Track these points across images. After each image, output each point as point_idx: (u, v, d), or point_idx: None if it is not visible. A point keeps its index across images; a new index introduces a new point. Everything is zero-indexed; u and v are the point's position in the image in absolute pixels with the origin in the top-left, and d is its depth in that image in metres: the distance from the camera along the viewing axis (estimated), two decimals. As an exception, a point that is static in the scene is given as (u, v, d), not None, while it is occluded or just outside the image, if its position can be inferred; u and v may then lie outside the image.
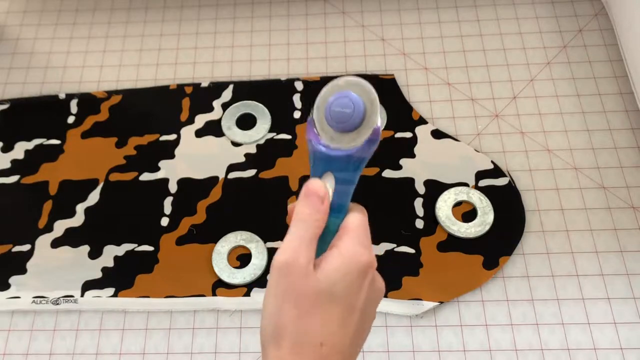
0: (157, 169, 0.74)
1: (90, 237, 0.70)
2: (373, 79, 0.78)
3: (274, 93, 0.78)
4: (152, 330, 0.65)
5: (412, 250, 0.67)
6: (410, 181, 0.71)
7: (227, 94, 0.79)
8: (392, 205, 0.69)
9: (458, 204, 0.69)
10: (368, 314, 0.37)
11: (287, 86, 0.79)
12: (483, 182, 0.70)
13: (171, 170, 0.74)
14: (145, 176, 0.74)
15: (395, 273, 0.66)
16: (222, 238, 0.68)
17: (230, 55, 0.83)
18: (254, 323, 0.65)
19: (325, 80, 0.78)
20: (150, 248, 0.69)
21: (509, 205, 0.69)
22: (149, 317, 0.66)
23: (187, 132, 0.76)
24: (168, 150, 0.75)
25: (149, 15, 0.87)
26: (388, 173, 0.71)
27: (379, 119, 0.33)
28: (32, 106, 0.80)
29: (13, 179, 0.75)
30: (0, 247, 0.70)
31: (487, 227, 0.67)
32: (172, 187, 0.72)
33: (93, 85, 0.82)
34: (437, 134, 0.74)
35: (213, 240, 0.69)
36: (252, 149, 0.75)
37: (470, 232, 0.67)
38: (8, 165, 0.76)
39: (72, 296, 0.67)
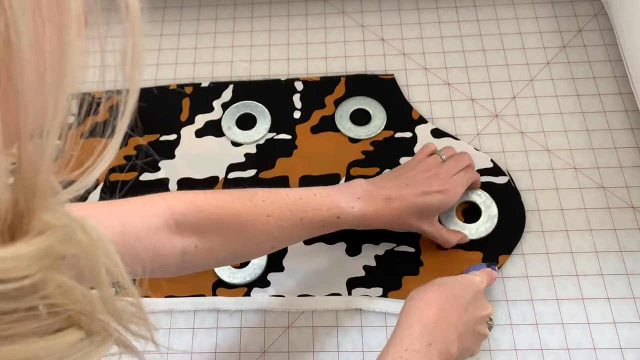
0: (158, 169, 0.74)
1: (91, 237, 0.70)
2: (373, 79, 0.78)
3: (274, 93, 0.78)
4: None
5: (412, 249, 0.67)
6: (410, 181, 0.71)
7: (227, 94, 0.79)
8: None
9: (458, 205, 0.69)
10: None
11: (287, 86, 0.79)
12: (482, 180, 0.70)
13: (171, 170, 0.74)
14: (146, 176, 0.74)
15: (395, 272, 0.66)
16: (222, 238, 0.68)
17: (230, 55, 0.83)
18: (254, 323, 0.65)
19: (325, 80, 0.78)
20: (150, 248, 0.69)
21: (508, 205, 0.68)
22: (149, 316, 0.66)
23: (187, 132, 0.76)
24: (168, 150, 0.75)
25: (149, 16, 0.87)
26: (388, 173, 0.71)
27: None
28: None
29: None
30: (1, 247, 0.70)
31: (495, 220, 0.66)
32: (172, 187, 0.72)
33: (93, 85, 0.82)
34: (437, 133, 0.74)
35: (213, 240, 0.69)
36: (252, 149, 0.75)
37: (481, 230, 0.66)
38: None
39: (72, 296, 0.67)
